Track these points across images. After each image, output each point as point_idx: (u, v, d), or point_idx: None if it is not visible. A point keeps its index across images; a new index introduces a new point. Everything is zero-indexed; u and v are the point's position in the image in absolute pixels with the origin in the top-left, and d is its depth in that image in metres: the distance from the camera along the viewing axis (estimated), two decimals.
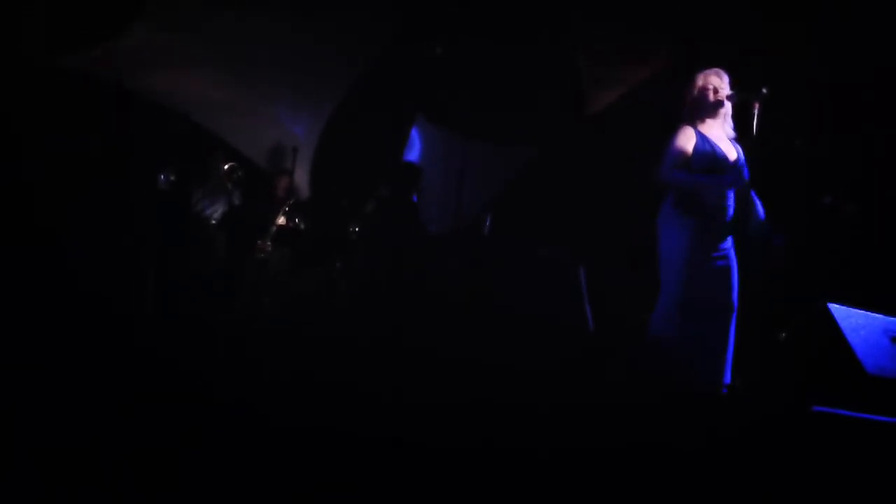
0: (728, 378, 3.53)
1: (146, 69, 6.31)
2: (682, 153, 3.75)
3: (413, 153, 7.02)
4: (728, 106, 3.92)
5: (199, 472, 2.32)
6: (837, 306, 3.45)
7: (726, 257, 3.76)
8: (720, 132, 3.89)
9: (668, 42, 5.87)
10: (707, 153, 3.78)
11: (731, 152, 3.86)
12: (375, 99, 6.80)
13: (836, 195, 4.98)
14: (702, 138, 3.82)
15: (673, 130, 3.84)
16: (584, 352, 3.52)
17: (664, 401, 2.78)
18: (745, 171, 3.80)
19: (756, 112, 3.90)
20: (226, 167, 6.65)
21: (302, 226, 6.54)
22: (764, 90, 3.88)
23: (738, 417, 2.71)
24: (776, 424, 2.66)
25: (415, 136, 7.09)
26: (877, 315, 3.54)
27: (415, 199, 5.91)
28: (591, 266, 4.14)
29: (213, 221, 6.74)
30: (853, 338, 3.36)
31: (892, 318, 3.57)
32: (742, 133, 3.91)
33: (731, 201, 3.81)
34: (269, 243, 6.51)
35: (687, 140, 3.79)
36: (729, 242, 3.79)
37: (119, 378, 2.81)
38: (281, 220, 6.56)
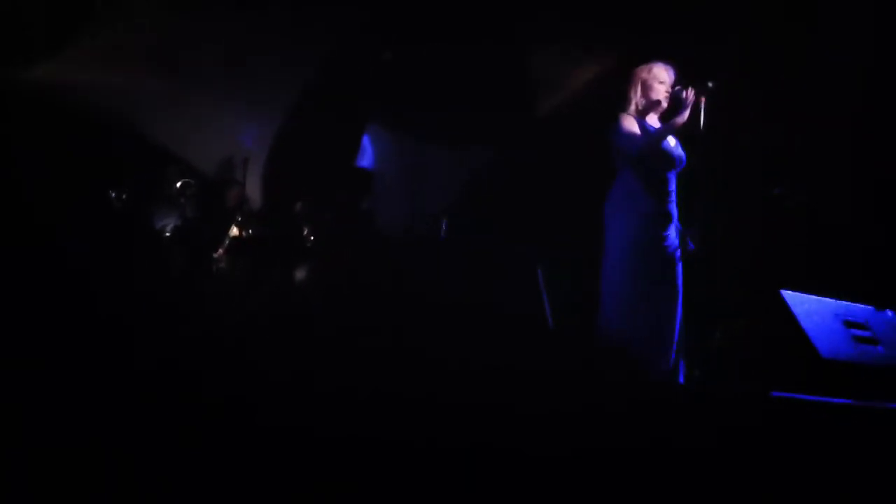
0: (672, 361, 3.57)
1: (92, 82, 6.19)
2: (630, 133, 3.80)
3: (366, 159, 6.98)
4: (668, 98, 3.94)
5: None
6: (790, 293, 3.49)
7: (671, 246, 3.81)
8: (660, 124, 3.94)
9: (619, 39, 5.90)
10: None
11: (670, 141, 3.90)
12: (326, 106, 6.74)
13: (785, 186, 5.05)
14: (643, 128, 3.86)
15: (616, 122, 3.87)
16: (545, 348, 3.52)
17: (623, 393, 2.77)
18: (684, 160, 3.87)
19: (703, 106, 3.94)
20: (179, 183, 6.57)
21: (256, 235, 6.48)
22: (710, 84, 3.92)
23: (698, 406, 2.71)
24: (736, 410, 2.67)
25: (367, 142, 7.05)
26: (829, 300, 3.59)
27: (367, 204, 5.88)
28: (549, 263, 4.15)
29: (166, 235, 6.64)
30: (807, 323, 3.41)
31: (844, 303, 3.62)
32: (689, 126, 3.95)
33: (673, 189, 3.86)
34: (223, 254, 6.44)
35: (631, 125, 3.83)
36: (673, 231, 3.83)
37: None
38: (234, 231, 6.50)
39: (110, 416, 2.49)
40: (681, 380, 3.53)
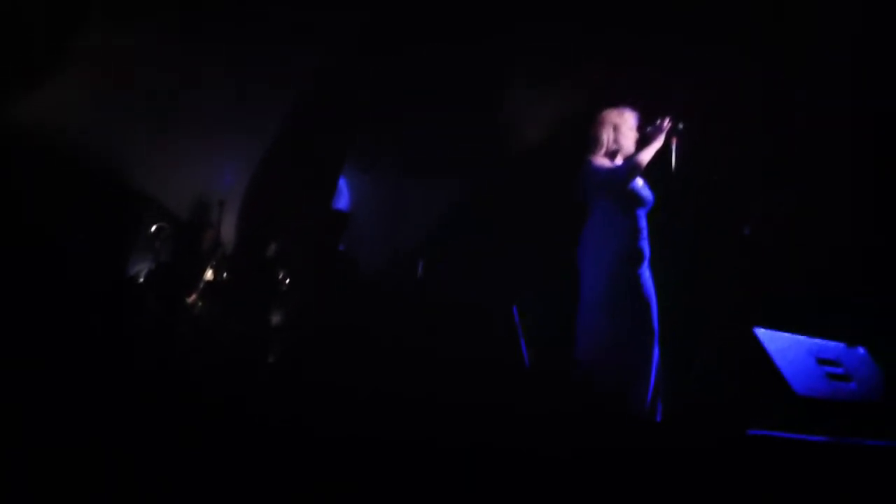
0: (650, 400, 3.58)
1: (65, 124, 6.17)
2: (600, 172, 3.86)
3: (342, 201, 7.00)
4: (635, 140, 4.01)
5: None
6: (764, 330, 3.52)
7: (645, 283, 3.84)
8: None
9: (595, 77, 6.00)
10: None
11: (639, 181, 3.97)
12: (302, 148, 6.77)
13: (754, 225, 5.12)
14: (612, 169, 3.92)
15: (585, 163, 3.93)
16: (522, 389, 3.52)
17: (599, 430, 2.77)
18: (653, 199, 3.94)
19: (674, 146, 4.02)
20: (154, 228, 6.54)
21: (231, 278, 6.44)
22: (680, 125, 4.01)
23: (675, 443, 2.71)
24: (713, 449, 2.67)
25: (343, 185, 7.08)
26: (802, 337, 3.63)
27: (341, 247, 5.88)
28: (525, 301, 4.17)
29: (140, 280, 6.59)
30: (781, 360, 3.43)
31: (817, 340, 3.66)
32: (660, 166, 4.02)
33: (644, 226, 3.91)
34: (198, 299, 6.40)
35: (600, 165, 3.89)
36: (646, 267, 3.87)
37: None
38: (209, 275, 6.46)
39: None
40: (657, 418, 3.53)
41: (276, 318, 6.36)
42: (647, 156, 3.91)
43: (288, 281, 6.37)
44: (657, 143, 3.95)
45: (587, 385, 3.52)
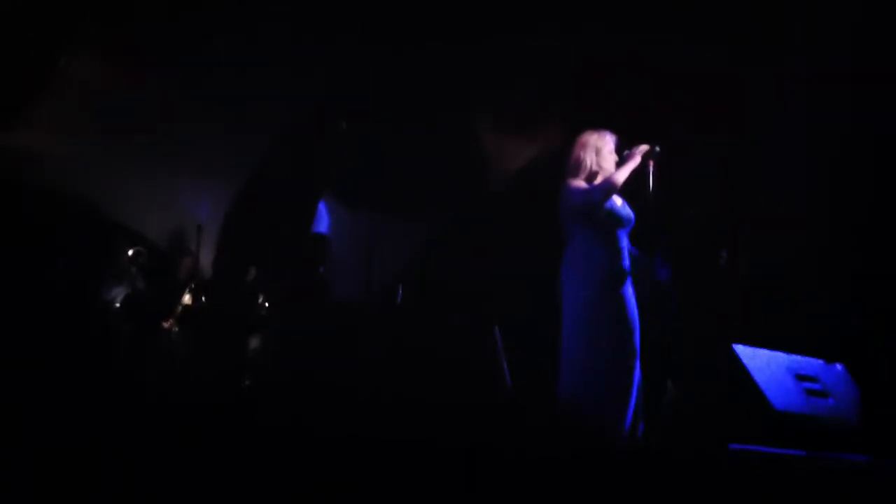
0: (630, 420, 3.57)
1: (45, 149, 6.15)
2: (578, 194, 3.87)
3: (321, 226, 7.00)
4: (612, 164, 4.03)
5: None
6: (743, 347, 3.55)
7: (627, 302, 3.83)
8: None
9: (568, 110, 6.07)
10: None
11: (617, 202, 3.98)
12: (281, 175, 6.78)
13: (731, 252, 5.18)
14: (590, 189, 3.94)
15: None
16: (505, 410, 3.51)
17: (582, 449, 2.76)
18: (633, 220, 3.95)
19: (651, 170, 4.05)
20: (131, 252, 6.49)
21: (208, 304, 6.39)
22: (657, 149, 4.04)
23: (657, 458, 2.72)
24: (695, 463, 2.68)
25: (322, 210, 7.08)
26: (780, 354, 3.66)
27: (321, 269, 5.87)
28: (506, 325, 4.18)
29: (116, 305, 6.52)
30: (760, 377, 3.46)
31: (796, 357, 3.69)
32: (638, 190, 4.05)
33: (625, 246, 3.92)
34: (174, 325, 6.35)
35: (579, 187, 3.90)
36: (629, 287, 3.87)
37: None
38: (186, 300, 6.42)
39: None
40: (640, 432, 3.53)
41: (254, 343, 6.32)
42: (621, 176, 3.91)
43: (267, 305, 6.35)
44: (632, 165, 3.96)
45: (570, 404, 3.51)
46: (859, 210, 4.86)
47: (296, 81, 6.37)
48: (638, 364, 3.73)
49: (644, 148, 3.98)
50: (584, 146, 3.99)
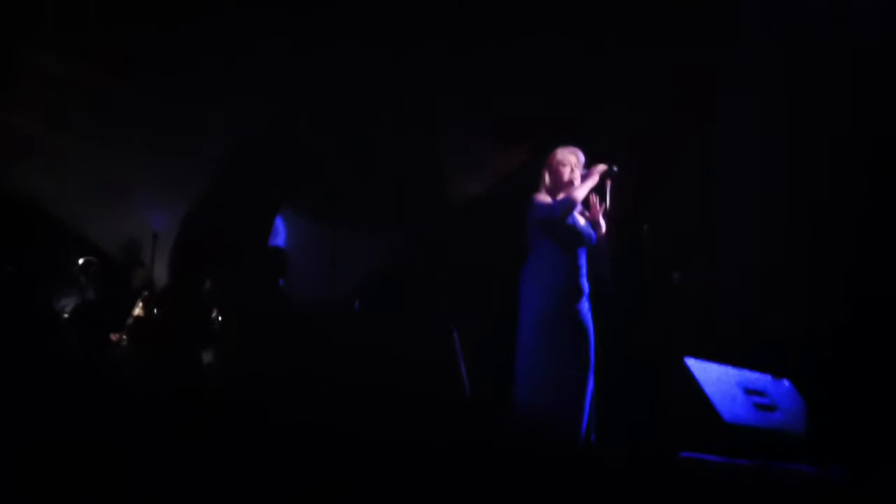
0: (584, 428, 3.62)
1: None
2: (541, 208, 3.95)
3: (279, 239, 6.96)
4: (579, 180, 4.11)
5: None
6: (695, 361, 3.62)
7: (583, 318, 3.90)
8: None
9: (534, 128, 6.14)
10: None
11: (580, 220, 4.07)
12: (237, 185, 6.72)
13: (684, 272, 5.29)
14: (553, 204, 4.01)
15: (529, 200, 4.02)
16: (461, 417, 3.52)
17: (536, 459, 2.78)
18: (594, 238, 4.04)
19: (608, 188, 4.14)
20: (81, 261, 6.36)
21: (161, 316, 6.28)
22: (615, 168, 4.13)
23: (610, 465, 2.75)
24: (645, 471, 2.72)
25: (280, 223, 7.04)
26: (730, 369, 3.74)
27: (281, 282, 5.82)
28: (465, 329, 4.20)
29: (65, 315, 6.38)
30: (710, 390, 3.53)
31: (745, 371, 3.78)
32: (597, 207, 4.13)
33: (583, 264, 3.99)
34: (124, 337, 6.22)
35: (542, 202, 3.98)
36: (585, 302, 3.94)
37: None
38: (138, 311, 6.30)
39: None
40: (592, 440, 3.57)
41: (208, 356, 6.22)
42: (580, 194, 4.00)
43: (220, 318, 6.26)
44: (591, 183, 4.05)
45: (525, 409, 3.54)
46: (812, 228, 5.01)
47: (255, 89, 6.35)
48: (592, 375, 3.79)
49: (602, 167, 4.07)
50: (555, 161, 4.08)
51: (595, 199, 4.09)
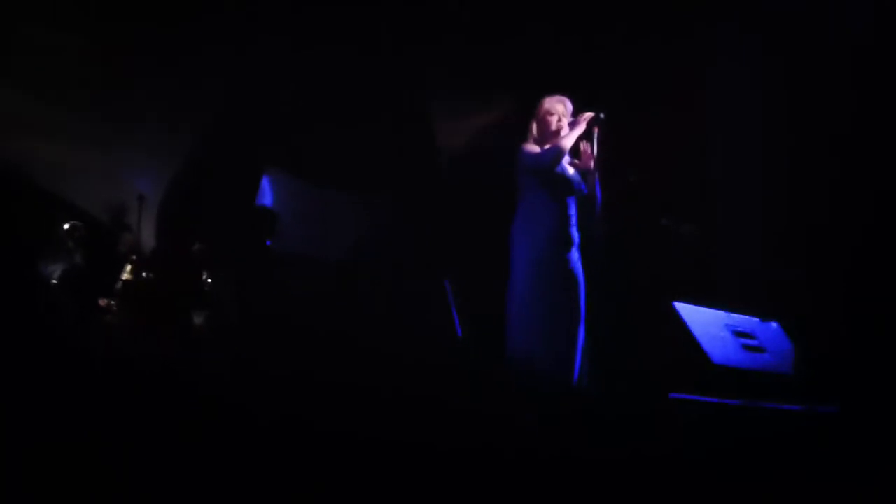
0: (576, 374, 3.66)
1: None
2: (529, 156, 3.94)
3: (266, 199, 6.91)
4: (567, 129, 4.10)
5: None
6: (683, 305, 3.65)
7: (573, 266, 3.92)
8: None
9: (514, 87, 6.10)
10: None
11: (569, 170, 4.06)
12: (224, 148, 6.66)
13: (672, 217, 5.30)
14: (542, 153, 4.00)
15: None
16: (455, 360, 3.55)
17: (530, 401, 2.81)
18: (584, 187, 4.03)
19: (596, 135, 4.12)
20: (67, 226, 6.31)
21: (150, 279, 6.26)
22: (602, 115, 4.10)
23: (601, 407, 2.78)
24: (636, 410, 2.75)
25: (266, 184, 6.99)
26: (718, 312, 3.77)
27: (268, 242, 5.80)
28: (458, 277, 4.23)
29: (54, 281, 6.35)
30: (699, 332, 3.56)
31: (732, 314, 3.81)
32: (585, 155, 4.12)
33: (573, 213, 3.99)
34: (113, 302, 6.19)
35: (531, 150, 3.97)
36: (575, 251, 3.95)
37: None
38: (126, 276, 6.27)
39: None
40: (585, 383, 3.61)
41: (198, 319, 6.22)
42: (568, 142, 3.99)
43: (210, 280, 6.24)
44: (578, 131, 4.04)
45: (518, 356, 3.58)
46: (803, 177, 5.02)
47: (241, 55, 6.28)
48: (583, 323, 3.82)
49: (589, 115, 4.05)
50: (543, 111, 4.06)
51: (586, 147, 4.08)
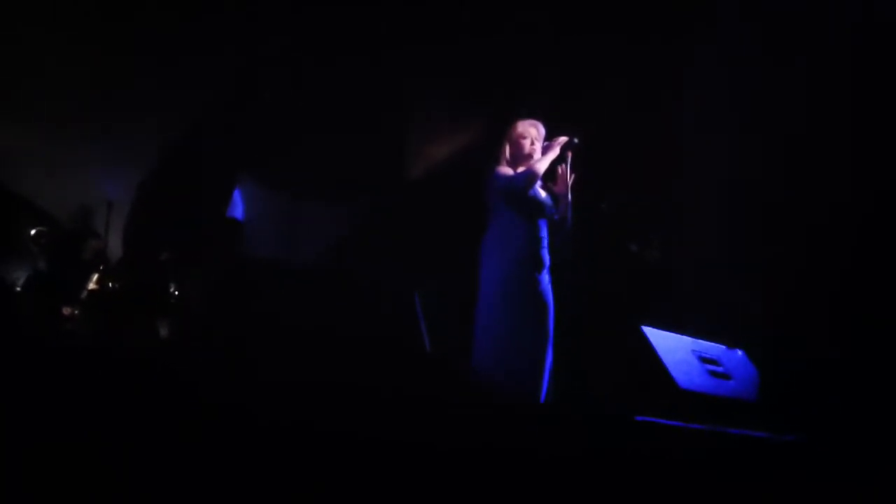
0: (543, 394, 3.66)
1: None
2: (501, 178, 3.95)
3: (236, 210, 6.86)
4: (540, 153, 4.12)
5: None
6: (651, 329, 3.67)
7: (543, 289, 3.92)
8: None
9: (493, 102, 6.14)
10: None
11: (542, 193, 4.09)
12: (195, 154, 6.61)
13: (641, 243, 5.34)
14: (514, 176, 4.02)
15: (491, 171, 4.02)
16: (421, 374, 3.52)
17: (495, 418, 2.79)
18: (555, 211, 4.05)
19: (569, 159, 4.15)
20: (33, 232, 6.22)
21: (116, 288, 6.17)
22: (576, 140, 4.14)
23: (567, 428, 2.78)
24: (602, 433, 2.75)
25: (238, 193, 6.94)
26: (685, 337, 3.80)
27: (239, 252, 5.76)
28: (427, 291, 4.22)
29: (17, 289, 6.24)
30: (666, 357, 3.59)
31: (699, 340, 3.84)
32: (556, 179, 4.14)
33: (544, 235, 4.01)
34: (75, 311, 6.10)
35: (503, 173, 3.98)
36: (545, 274, 3.96)
37: None
38: (92, 284, 6.18)
39: None
40: (550, 405, 3.61)
41: (164, 330, 6.14)
42: (542, 166, 4.01)
43: (178, 292, 6.17)
44: (552, 155, 4.07)
45: (483, 378, 3.56)
46: (771, 202, 5.09)
47: (215, 57, 6.24)
48: (551, 346, 3.81)
49: (563, 139, 4.08)
50: (516, 134, 4.09)
51: (561, 172, 4.10)
